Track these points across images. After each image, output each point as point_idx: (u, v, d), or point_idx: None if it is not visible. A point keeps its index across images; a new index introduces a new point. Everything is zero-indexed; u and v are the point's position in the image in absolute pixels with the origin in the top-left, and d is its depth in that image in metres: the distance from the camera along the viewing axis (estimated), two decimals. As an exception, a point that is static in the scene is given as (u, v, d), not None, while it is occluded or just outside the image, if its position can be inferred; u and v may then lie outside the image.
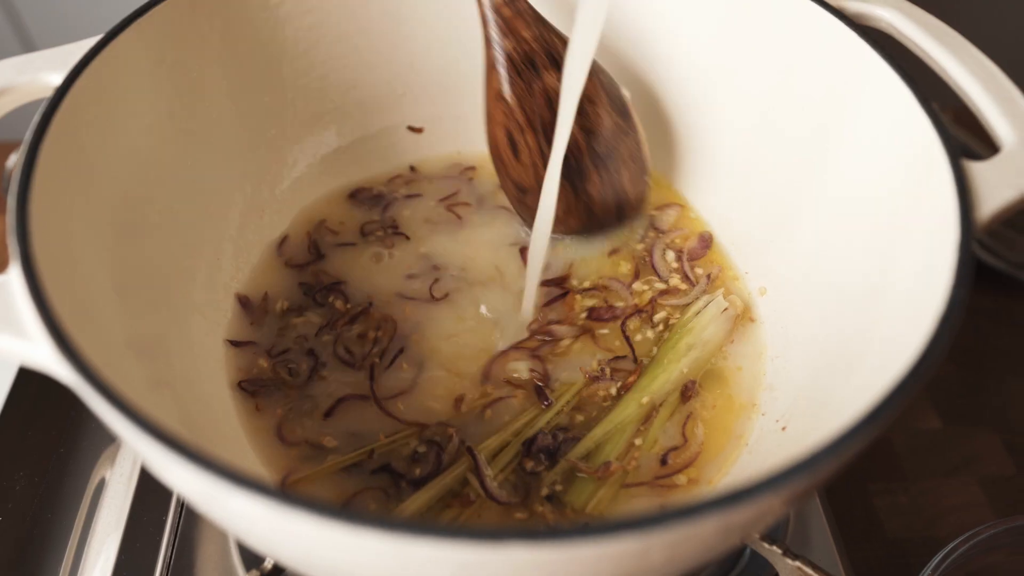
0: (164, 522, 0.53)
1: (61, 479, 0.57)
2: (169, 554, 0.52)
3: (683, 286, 0.58)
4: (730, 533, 0.31)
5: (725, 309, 0.54)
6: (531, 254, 0.54)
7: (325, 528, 0.28)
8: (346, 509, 0.27)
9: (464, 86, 0.63)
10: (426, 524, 0.27)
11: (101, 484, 0.56)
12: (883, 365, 0.35)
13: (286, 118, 0.59)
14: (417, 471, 0.48)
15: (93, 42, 0.45)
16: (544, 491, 0.47)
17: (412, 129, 0.65)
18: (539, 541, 0.27)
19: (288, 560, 0.36)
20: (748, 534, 0.36)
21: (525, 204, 0.58)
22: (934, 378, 0.72)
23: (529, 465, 0.48)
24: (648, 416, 0.51)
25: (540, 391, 0.51)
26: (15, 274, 0.35)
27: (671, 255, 0.59)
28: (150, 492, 0.54)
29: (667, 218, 0.62)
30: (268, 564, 0.47)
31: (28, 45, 0.95)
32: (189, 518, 0.53)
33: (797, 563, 0.47)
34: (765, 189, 0.56)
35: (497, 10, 0.52)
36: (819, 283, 0.50)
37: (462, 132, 0.65)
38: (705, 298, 0.55)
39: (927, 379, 0.31)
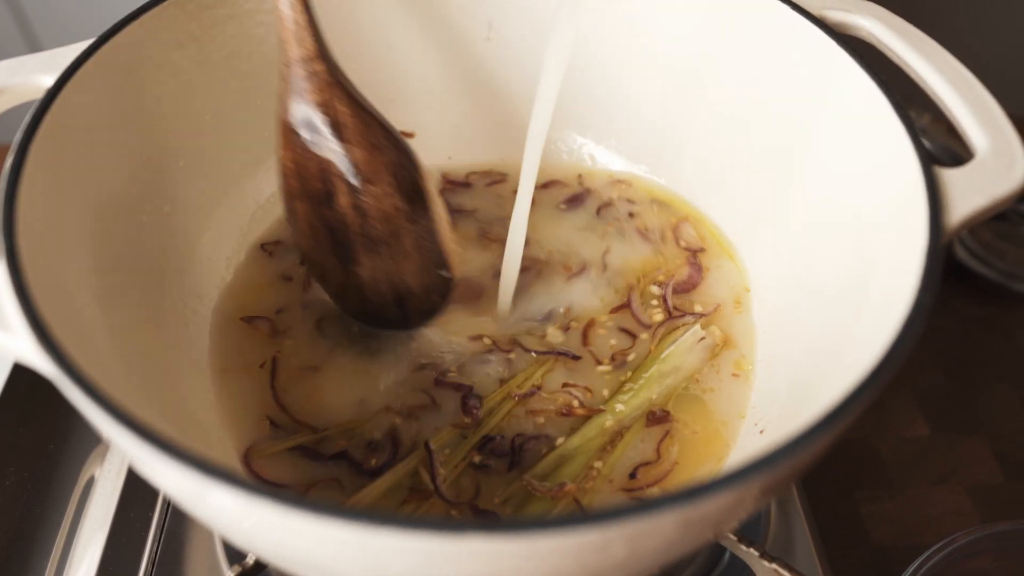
0: (151, 518, 0.54)
1: (51, 476, 0.57)
2: (155, 550, 0.52)
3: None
4: (691, 529, 0.31)
5: (702, 339, 0.54)
6: (507, 257, 0.54)
7: (289, 517, 0.28)
8: (310, 499, 0.28)
9: (455, 93, 0.64)
10: (388, 515, 0.28)
11: (90, 481, 0.57)
12: (851, 368, 0.36)
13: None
14: (373, 461, 0.48)
15: (86, 45, 0.46)
16: (496, 500, 0.48)
17: (403, 134, 0.65)
18: (498, 533, 0.28)
19: (262, 552, 0.37)
20: (716, 531, 0.37)
21: (314, 268, 0.55)
22: (923, 386, 0.73)
23: (477, 459, 0.49)
24: (612, 440, 0.50)
25: (466, 400, 0.52)
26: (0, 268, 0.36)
27: (654, 289, 0.58)
28: (137, 489, 0.55)
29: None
30: (250, 560, 0.48)
31: (34, 45, 0.96)
32: (175, 515, 0.54)
33: (774, 566, 0.47)
34: (745, 189, 0.57)
35: (301, 66, 0.48)
36: (800, 284, 0.51)
37: (453, 139, 0.66)
38: (684, 328, 0.55)
39: (885, 384, 0.32)
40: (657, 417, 0.51)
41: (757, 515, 0.55)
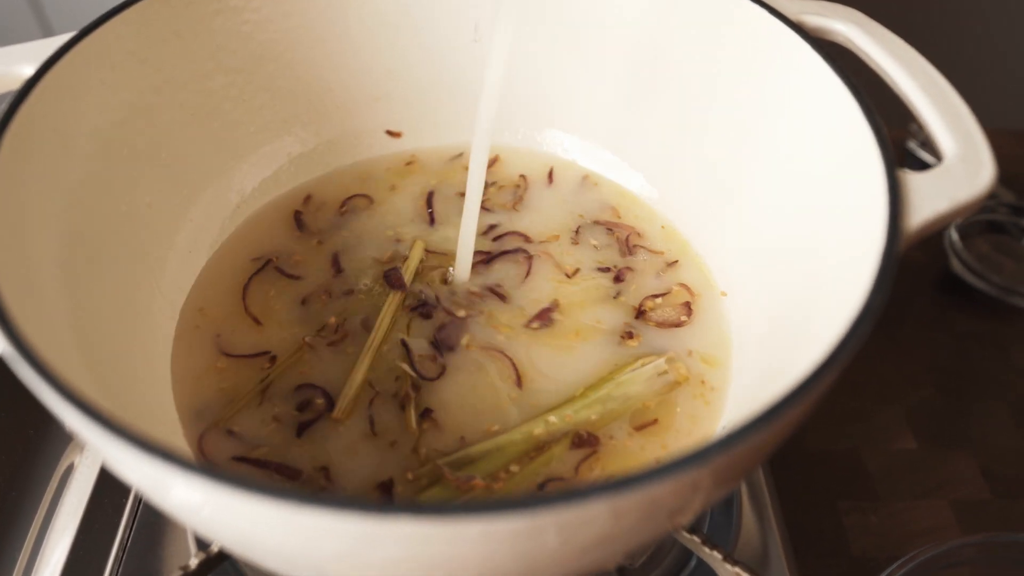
0: (124, 505, 0.54)
1: (30, 462, 0.58)
2: (126, 536, 0.53)
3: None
4: (626, 519, 0.31)
5: (663, 372, 0.52)
6: (464, 222, 0.55)
7: (222, 494, 0.28)
8: (239, 475, 0.28)
9: (443, 92, 0.65)
10: (317, 496, 0.28)
11: (69, 469, 0.57)
12: (804, 366, 0.36)
13: (263, 117, 0.60)
14: (319, 401, 0.50)
15: (68, 37, 0.47)
16: (408, 475, 0.48)
17: (390, 133, 0.66)
18: (425, 516, 0.28)
19: (212, 533, 0.37)
20: (672, 522, 0.36)
21: None
22: (914, 399, 0.72)
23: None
24: (539, 448, 0.48)
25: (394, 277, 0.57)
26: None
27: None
28: (113, 477, 0.56)
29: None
30: (214, 548, 0.48)
31: (47, 30, 0.98)
32: (148, 504, 0.55)
33: (736, 569, 0.47)
34: (713, 191, 0.57)
35: None
36: (767, 286, 0.51)
37: (441, 137, 0.67)
38: (651, 357, 0.53)
39: (822, 390, 0.32)
40: (583, 440, 0.49)
41: (728, 519, 0.55)
